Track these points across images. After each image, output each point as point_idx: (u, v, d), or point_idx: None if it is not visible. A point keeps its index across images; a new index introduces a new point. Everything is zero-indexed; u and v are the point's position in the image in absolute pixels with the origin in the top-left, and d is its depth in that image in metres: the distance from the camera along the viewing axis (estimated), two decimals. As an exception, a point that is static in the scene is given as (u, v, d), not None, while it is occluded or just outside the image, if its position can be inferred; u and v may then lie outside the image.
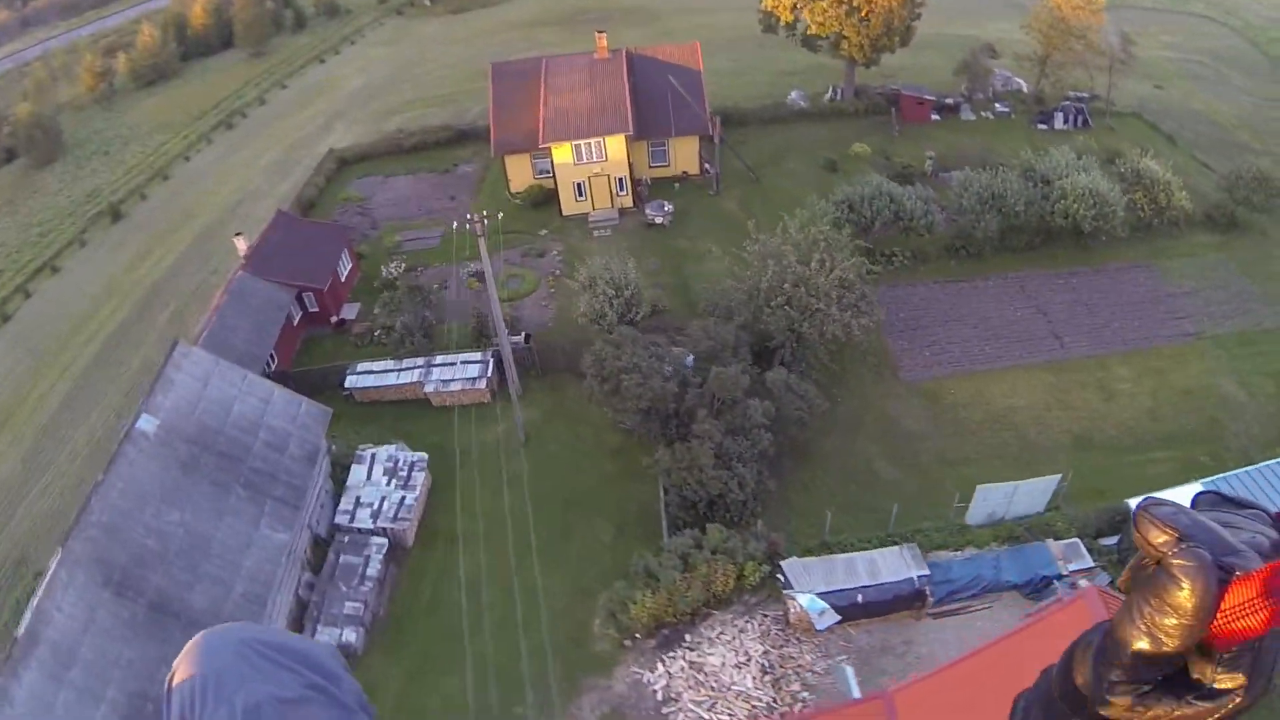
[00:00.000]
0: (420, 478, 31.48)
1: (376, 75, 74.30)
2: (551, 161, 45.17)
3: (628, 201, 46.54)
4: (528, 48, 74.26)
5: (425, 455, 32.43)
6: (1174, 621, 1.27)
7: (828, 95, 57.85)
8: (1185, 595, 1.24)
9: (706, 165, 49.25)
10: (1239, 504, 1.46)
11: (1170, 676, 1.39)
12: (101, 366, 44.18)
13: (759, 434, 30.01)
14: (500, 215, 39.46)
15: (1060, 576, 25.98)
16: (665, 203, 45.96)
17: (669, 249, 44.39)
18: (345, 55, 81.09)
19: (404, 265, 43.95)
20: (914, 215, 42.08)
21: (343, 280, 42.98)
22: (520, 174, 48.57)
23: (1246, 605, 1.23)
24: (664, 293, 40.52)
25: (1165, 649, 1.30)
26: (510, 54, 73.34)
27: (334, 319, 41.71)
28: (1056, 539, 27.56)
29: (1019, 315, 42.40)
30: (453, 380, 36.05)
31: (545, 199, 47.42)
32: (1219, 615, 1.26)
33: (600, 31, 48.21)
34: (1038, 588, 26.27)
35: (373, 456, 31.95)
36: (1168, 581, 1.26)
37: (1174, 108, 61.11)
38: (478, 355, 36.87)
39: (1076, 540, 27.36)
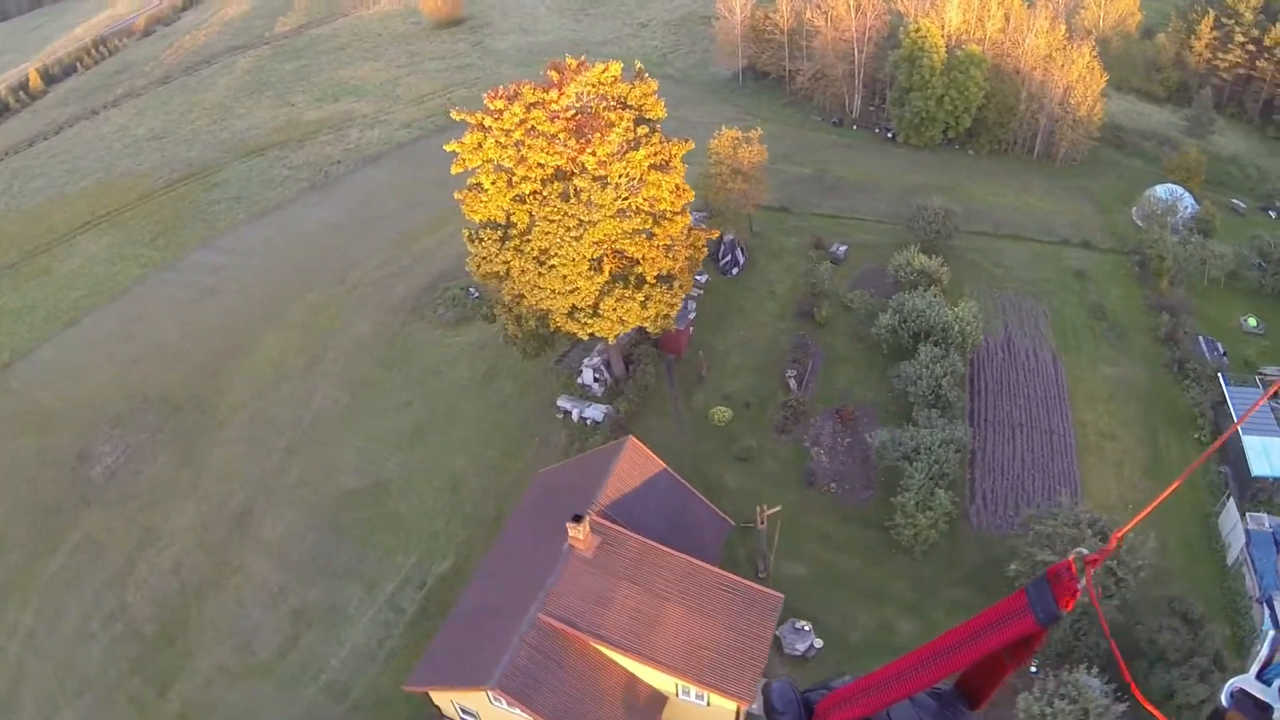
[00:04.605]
0: None
1: None
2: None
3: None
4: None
5: None
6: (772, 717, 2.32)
7: (589, 380, 48.27)
8: (764, 699, 2.61)
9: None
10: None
11: None
12: None
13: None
14: None
15: None
16: (797, 621, 35.36)
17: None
18: None
19: None
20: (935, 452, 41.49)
21: None
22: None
23: (839, 710, 2.71)
24: None
25: None
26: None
27: None
28: None
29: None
30: None
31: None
32: (826, 714, 2.57)
33: (574, 520, 31.30)
34: None
35: None
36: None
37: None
38: None
39: None
